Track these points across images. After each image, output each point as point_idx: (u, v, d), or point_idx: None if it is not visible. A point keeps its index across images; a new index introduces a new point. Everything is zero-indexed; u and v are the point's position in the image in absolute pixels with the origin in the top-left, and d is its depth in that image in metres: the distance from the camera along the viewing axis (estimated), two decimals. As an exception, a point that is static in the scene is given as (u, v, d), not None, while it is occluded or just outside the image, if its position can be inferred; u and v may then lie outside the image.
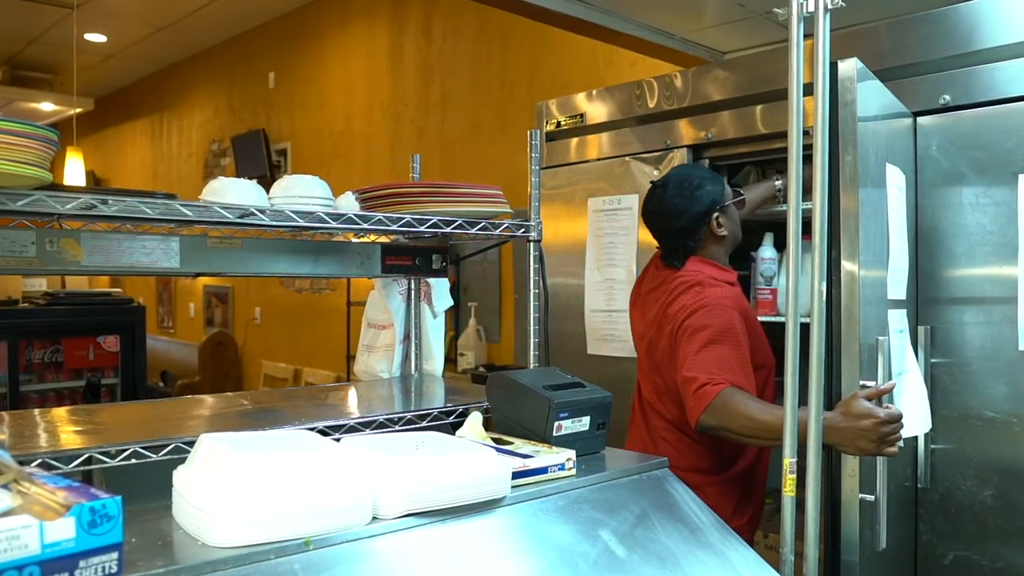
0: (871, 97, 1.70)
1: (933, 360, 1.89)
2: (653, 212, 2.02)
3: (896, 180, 1.76)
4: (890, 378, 1.60)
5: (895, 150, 1.82)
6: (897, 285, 1.75)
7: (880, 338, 1.59)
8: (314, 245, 1.92)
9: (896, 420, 1.54)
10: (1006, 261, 1.80)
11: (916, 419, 1.72)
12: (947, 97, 1.90)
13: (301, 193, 1.68)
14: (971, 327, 1.85)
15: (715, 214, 1.97)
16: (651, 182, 2.06)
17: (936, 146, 1.91)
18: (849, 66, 1.62)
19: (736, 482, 1.97)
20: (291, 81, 6.66)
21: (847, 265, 1.61)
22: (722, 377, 1.70)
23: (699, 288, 1.89)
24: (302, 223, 1.55)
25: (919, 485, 1.91)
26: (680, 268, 1.98)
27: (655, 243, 2.10)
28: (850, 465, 1.64)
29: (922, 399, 1.76)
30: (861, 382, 1.60)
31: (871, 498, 1.61)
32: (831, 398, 1.63)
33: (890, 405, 1.57)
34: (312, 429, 1.47)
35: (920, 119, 1.93)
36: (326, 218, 1.57)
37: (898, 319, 1.72)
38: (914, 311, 1.91)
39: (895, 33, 2.00)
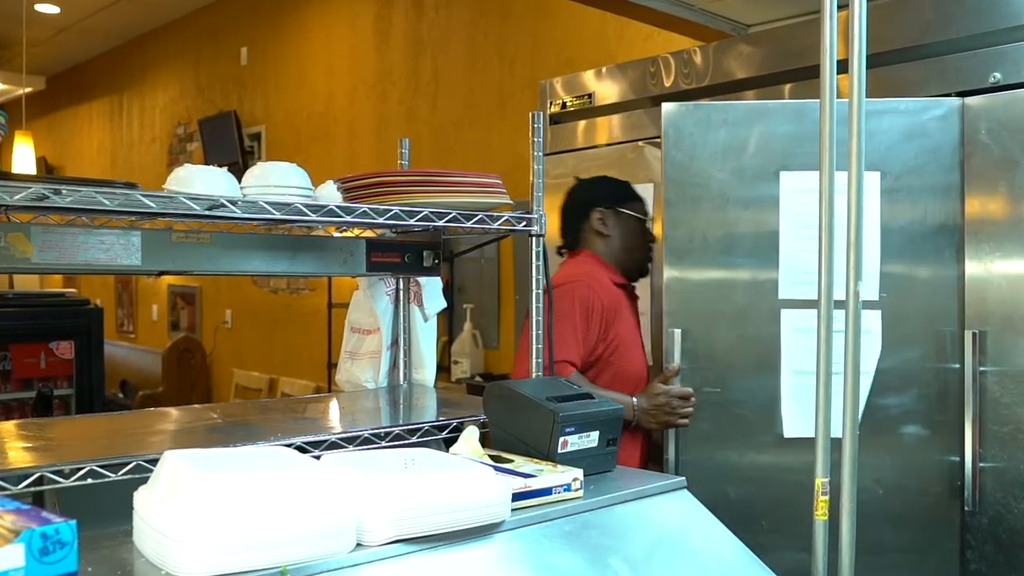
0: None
1: (982, 368, 1.89)
2: None
3: (795, 185, 2.02)
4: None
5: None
6: (798, 285, 2.00)
7: (674, 330, 2.07)
8: (291, 240, 1.92)
9: (686, 397, 2.03)
10: (1064, 258, 1.80)
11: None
12: (998, 75, 1.90)
13: (276, 182, 1.68)
14: (1025, 331, 1.85)
15: (595, 209, 2.29)
16: None
17: (986, 130, 1.91)
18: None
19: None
20: (265, 57, 6.66)
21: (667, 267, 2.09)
22: (558, 356, 2.00)
23: (562, 273, 2.23)
24: (278, 215, 1.55)
25: (966, 508, 1.91)
26: (566, 256, 2.37)
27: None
28: None
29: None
30: (666, 365, 2.08)
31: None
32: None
33: (686, 388, 2.04)
34: (289, 445, 1.47)
35: (967, 100, 1.93)
36: (304, 210, 1.57)
37: (797, 319, 2.01)
38: (959, 313, 1.91)
39: (939, 4, 2.00)
